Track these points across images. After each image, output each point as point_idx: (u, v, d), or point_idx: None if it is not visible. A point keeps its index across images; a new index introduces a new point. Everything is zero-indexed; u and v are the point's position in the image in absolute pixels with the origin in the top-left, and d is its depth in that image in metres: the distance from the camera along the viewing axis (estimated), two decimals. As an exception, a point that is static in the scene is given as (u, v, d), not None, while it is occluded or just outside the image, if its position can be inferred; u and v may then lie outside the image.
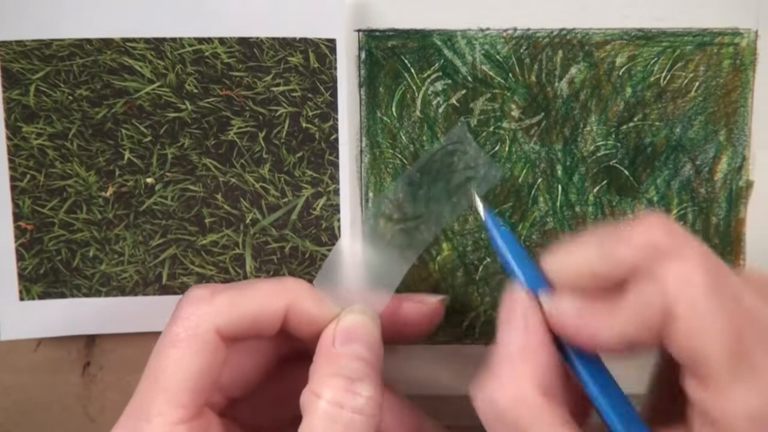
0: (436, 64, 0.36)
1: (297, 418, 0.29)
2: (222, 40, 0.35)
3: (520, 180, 0.36)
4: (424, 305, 0.34)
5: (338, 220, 0.36)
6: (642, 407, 0.29)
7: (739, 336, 0.23)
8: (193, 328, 0.28)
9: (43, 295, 0.36)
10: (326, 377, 0.28)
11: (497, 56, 0.36)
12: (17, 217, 0.35)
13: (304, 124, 0.35)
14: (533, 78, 0.36)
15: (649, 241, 0.25)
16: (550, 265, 0.29)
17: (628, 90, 0.36)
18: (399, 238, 0.34)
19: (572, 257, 0.28)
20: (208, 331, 0.28)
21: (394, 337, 0.32)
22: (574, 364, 0.28)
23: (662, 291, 0.24)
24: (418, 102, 0.36)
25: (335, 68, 0.35)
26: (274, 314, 0.30)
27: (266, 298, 0.30)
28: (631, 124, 0.36)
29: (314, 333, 0.31)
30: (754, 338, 0.23)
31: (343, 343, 0.30)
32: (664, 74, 0.36)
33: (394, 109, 0.36)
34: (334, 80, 0.35)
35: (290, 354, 0.34)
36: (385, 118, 0.36)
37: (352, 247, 0.34)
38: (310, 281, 0.35)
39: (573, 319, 0.27)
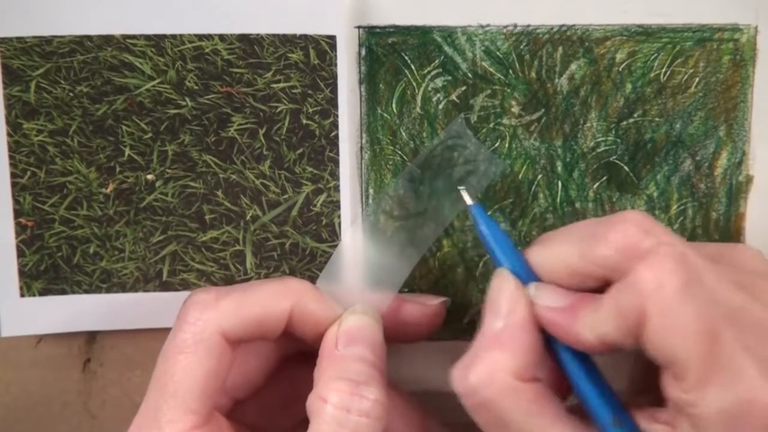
0: (437, 61, 0.36)
1: (303, 419, 0.29)
2: (222, 37, 0.35)
3: (520, 176, 0.36)
4: (426, 307, 0.34)
5: (338, 217, 0.36)
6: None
7: (713, 335, 0.23)
8: (199, 333, 0.28)
9: (44, 292, 0.36)
10: (331, 381, 0.28)
11: (497, 53, 0.36)
12: (18, 213, 0.35)
13: (304, 121, 0.35)
14: (533, 74, 0.36)
15: (624, 241, 0.25)
16: (534, 259, 0.29)
17: (628, 86, 0.36)
18: (400, 236, 0.34)
19: (553, 253, 0.28)
20: (214, 335, 0.28)
21: (395, 338, 0.32)
22: (558, 353, 0.28)
23: (636, 294, 0.24)
24: (419, 98, 0.36)
25: (335, 65, 0.35)
26: (279, 316, 0.30)
27: (270, 300, 0.30)
28: (631, 120, 0.36)
29: (317, 334, 0.31)
30: (730, 334, 0.23)
31: (347, 345, 0.30)
32: (664, 70, 0.36)
33: (394, 105, 0.36)
34: (335, 77, 0.35)
35: (293, 354, 0.34)
36: (385, 115, 0.36)
37: (354, 247, 0.34)
38: (311, 278, 0.36)
39: (555, 315, 0.27)
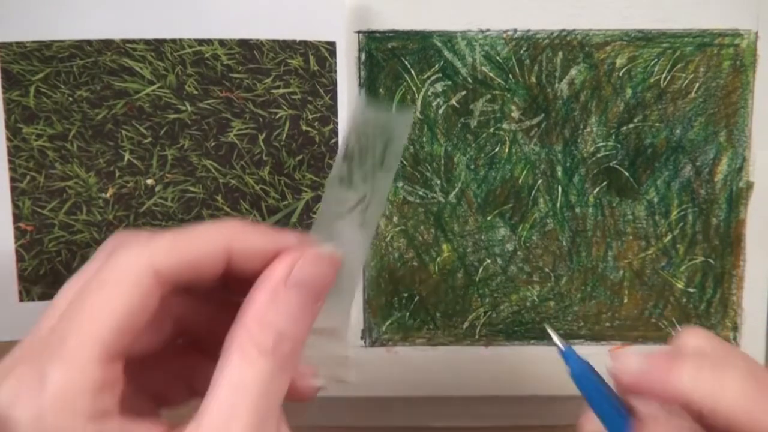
0: (436, 66, 0.36)
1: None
2: (222, 42, 0.35)
3: (520, 181, 0.36)
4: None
5: (338, 222, 0.36)
6: None
7: None
8: (127, 268, 0.25)
9: (43, 296, 0.36)
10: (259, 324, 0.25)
11: (497, 57, 0.36)
12: (17, 218, 0.35)
13: (304, 128, 0.35)
14: (533, 79, 0.36)
15: None
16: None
17: (629, 91, 0.36)
18: (352, 226, 0.33)
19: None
20: (145, 271, 0.25)
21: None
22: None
23: None
24: (419, 103, 0.36)
25: (335, 71, 0.35)
26: (216, 253, 0.26)
27: (207, 237, 0.26)
28: (631, 126, 0.36)
29: (263, 267, 0.27)
30: None
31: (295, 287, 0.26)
32: (664, 75, 0.36)
33: (394, 110, 0.36)
34: (334, 83, 0.35)
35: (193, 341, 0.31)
36: (385, 120, 0.36)
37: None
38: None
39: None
